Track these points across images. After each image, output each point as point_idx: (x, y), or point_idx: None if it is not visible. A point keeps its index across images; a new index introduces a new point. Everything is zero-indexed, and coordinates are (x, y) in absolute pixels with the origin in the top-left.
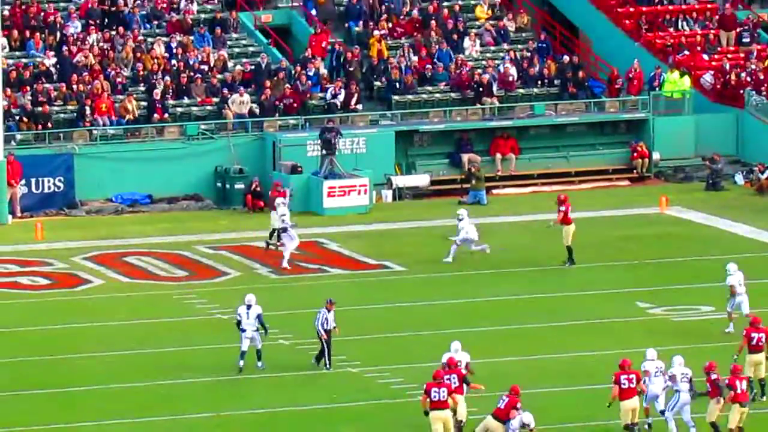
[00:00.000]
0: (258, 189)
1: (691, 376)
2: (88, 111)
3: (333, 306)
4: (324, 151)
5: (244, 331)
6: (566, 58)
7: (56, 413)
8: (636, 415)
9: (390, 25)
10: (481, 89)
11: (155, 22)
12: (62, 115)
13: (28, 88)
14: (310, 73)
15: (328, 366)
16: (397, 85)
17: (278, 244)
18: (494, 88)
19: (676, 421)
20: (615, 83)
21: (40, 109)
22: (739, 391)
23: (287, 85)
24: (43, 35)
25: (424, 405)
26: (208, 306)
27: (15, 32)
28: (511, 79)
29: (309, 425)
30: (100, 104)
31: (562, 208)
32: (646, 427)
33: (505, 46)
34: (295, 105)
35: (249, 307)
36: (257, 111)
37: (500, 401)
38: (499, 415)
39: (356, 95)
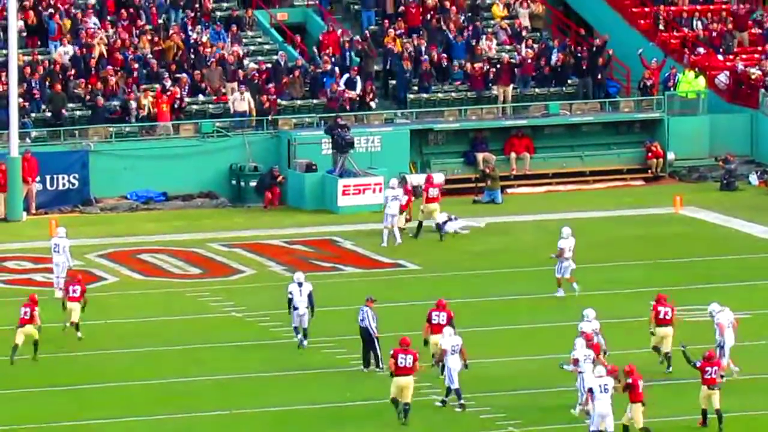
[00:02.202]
0: (281, 180)
1: (594, 357)
2: (134, 105)
3: (373, 303)
4: (334, 149)
5: (296, 308)
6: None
7: (71, 410)
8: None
9: (405, 20)
10: (499, 68)
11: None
12: (78, 113)
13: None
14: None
15: (380, 366)
16: (411, 76)
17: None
18: (515, 68)
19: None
20: (645, 81)
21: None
22: (708, 376)
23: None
24: (61, 31)
25: (390, 368)
26: (222, 303)
27: (31, 18)
28: (529, 62)
29: (323, 423)
30: (161, 104)
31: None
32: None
33: (522, 46)
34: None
35: (300, 284)
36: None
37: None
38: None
39: (371, 93)
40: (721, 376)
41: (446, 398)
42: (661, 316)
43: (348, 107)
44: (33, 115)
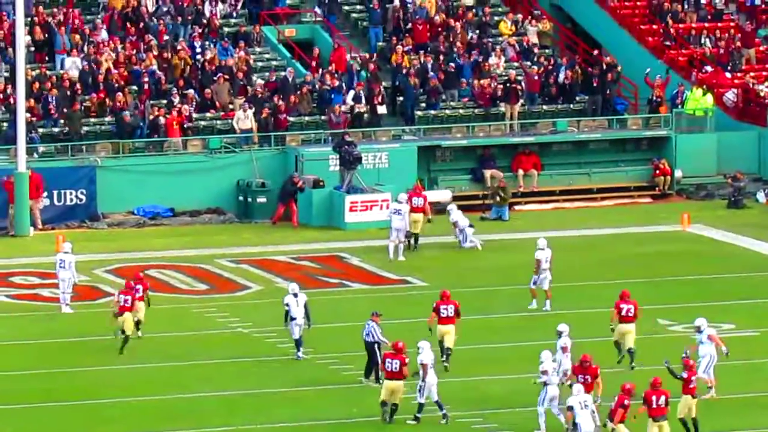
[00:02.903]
0: (302, 186)
1: (567, 370)
2: (162, 122)
3: (379, 318)
4: (342, 166)
5: (294, 319)
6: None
7: (79, 425)
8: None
9: (412, 36)
10: (508, 86)
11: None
12: (85, 128)
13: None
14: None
15: (379, 381)
16: (419, 89)
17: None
18: (523, 85)
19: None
20: (655, 98)
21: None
22: (692, 386)
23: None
24: (69, 44)
25: (382, 369)
26: (229, 320)
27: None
28: (536, 78)
29: None
30: (171, 121)
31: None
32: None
33: (528, 63)
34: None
35: (296, 295)
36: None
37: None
38: None
39: (380, 97)
40: (708, 388)
41: (419, 414)
42: (623, 313)
43: (348, 123)
44: (41, 130)
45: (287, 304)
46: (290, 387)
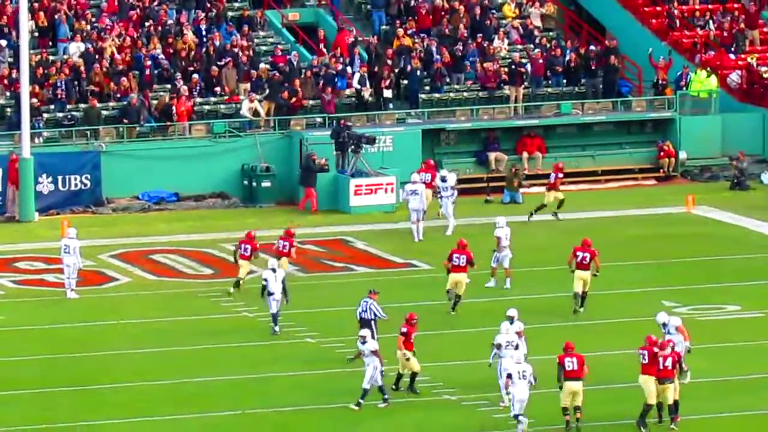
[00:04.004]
0: (325, 164)
1: (518, 343)
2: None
3: (377, 296)
4: (338, 150)
5: (272, 294)
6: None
7: (85, 411)
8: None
9: (416, 20)
10: (513, 68)
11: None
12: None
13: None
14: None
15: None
16: (424, 74)
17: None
18: (528, 68)
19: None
20: (660, 81)
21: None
22: (661, 367)
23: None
24: (72, 29)
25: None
26: (234, 304)
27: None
28: (540, 62)
29: (334, 424)
30: (179, 107)
31: None
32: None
33: (532, 45)
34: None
35: (274, 270)
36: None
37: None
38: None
39: (389, 80)
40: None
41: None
42: (578, 260)
43: (335, 107)
44: (45, 115)
45: (265, 279)
46: (296, 371)
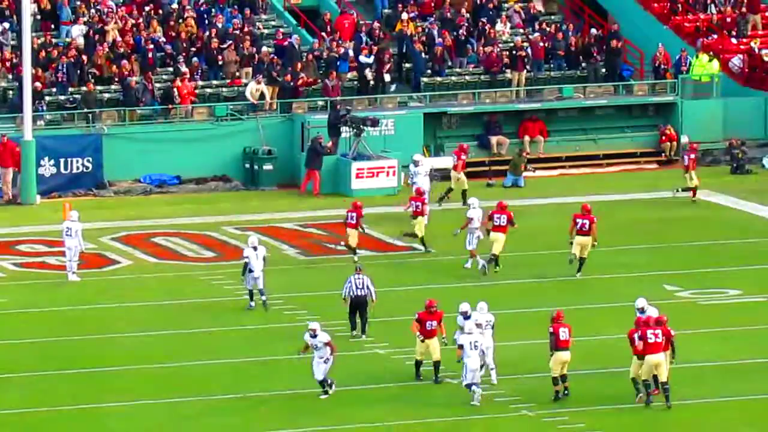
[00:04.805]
0: (331, 147)
1: (494, 323)
2: (176, 93)
3: (361, 272)
4: (334, 136)
5: (252, 271)
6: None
7: (86, 394)
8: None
9: (418, 2)
10: (515, 52)
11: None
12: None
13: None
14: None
15: (365, 333)
16: (426, 58)
17: None
18: (529, 52)
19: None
20: (661, 69)
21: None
22: (641, 347)
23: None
24: (74, 12)
25: (414, 331)
26: (236, 287)
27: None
28: (541, 46)
29: (336, 406)
30: (182, 90)
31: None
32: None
33: (536, 26)
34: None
35: (255, 248)
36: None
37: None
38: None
39: (389, 65)
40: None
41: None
42: (578, 226)
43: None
44: (47, 98)
45: (247, 257)
46: (297, 354)
